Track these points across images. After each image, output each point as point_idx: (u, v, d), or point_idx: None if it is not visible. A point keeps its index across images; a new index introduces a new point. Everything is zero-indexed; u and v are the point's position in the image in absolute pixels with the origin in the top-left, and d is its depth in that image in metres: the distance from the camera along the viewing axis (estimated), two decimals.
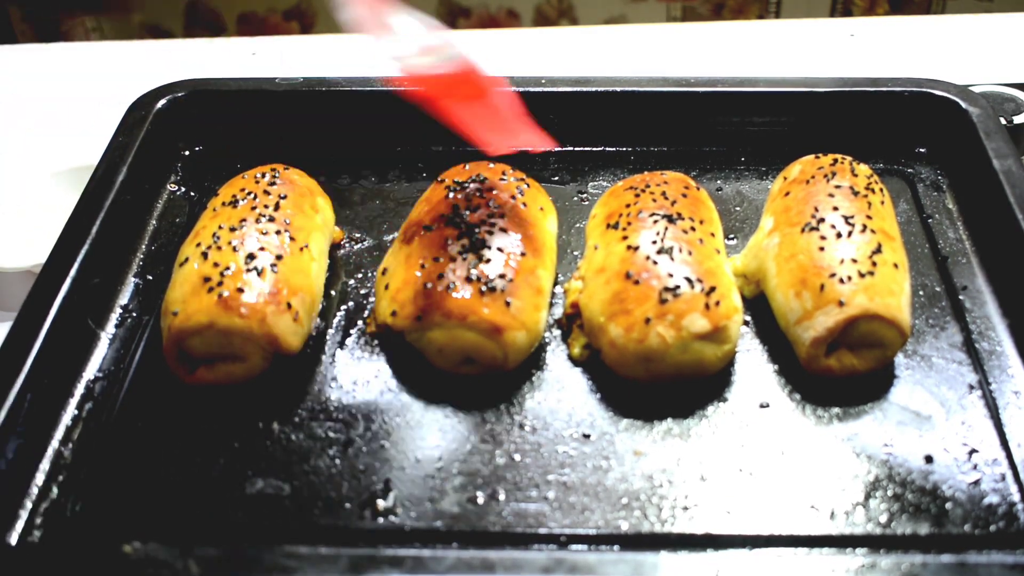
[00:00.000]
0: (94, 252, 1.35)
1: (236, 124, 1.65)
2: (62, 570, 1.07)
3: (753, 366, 1.27)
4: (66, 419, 1.22)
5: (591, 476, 1.14)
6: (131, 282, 1.41)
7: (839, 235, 1.27)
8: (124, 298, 1.38)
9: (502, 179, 1.39)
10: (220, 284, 1.21)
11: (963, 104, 1.56)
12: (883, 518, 1.10)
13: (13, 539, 1.10)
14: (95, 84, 2.01)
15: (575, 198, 1.56)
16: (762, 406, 1.22)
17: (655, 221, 1.30)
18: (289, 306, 1.23)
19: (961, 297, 1.36)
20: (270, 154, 1.57)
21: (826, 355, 1.22)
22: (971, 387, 1.24)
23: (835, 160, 1.41)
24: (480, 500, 1.12)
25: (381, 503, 1.12)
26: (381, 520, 1.11)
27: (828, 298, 1.21)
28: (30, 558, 1.08)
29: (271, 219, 1.31)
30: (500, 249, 1.26)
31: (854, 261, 1.23)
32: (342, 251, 1.47)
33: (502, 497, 1.12)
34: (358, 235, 1.49)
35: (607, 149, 1.65)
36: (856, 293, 1.20)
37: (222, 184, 1.43)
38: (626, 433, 1.19)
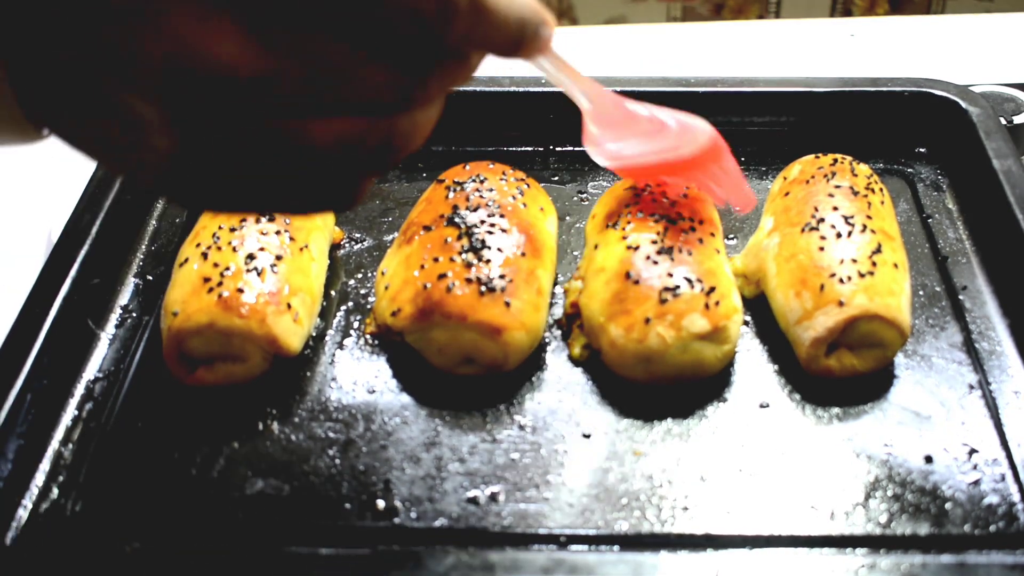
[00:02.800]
0: (94, 252, 1.35)
1: None
2: (62, 570, 1.07)
3: (753, 366, 1.27)
4: (66, 419, 1.22)
5: (591, 476, 1.15)
6: (131, 282, 1.41)
7: (839, 235, 1.27)
8: (124, 298, 1.38)
9: (502, 179, 1.39)
10: (220, 284, 1.21)
11: (963, 104, 1.56)
12: (883, 518, 1.10)
13: (13, 539, 1.10)
14: None
15: (575, 198, 1.56)
16: (762, 406, 1.22)
17: (655, 221, 1.30)
18: (289, 306, 1.23)
19: (961, 297, 1.36)
20: None
21: (826, 355, 1.22)
22: (971, 387, 1.24)
23: (835, 160, 1.41)
24: (480, 500, 1.12)
25: (381, 503, 1.12)
26: (381, 520, 1.11)
27: (828, 298, 1.21)
28: (30, 558, 1.08)
29: (271, 219, 1.31)
30: (500, 249, 1.26)
31: (854, 261, 1.24)
32: (342, 251, 1.47)
33: (502, 497, 1.12)
34: (358, 235, 1.50)
35: None
36: (856, 293, 1.20)
37: None
38: (626, 433, 1.19)
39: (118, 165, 0.79)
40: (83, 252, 1.34)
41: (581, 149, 1.64)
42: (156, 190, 0.99)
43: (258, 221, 1.30)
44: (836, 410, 1.22)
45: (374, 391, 1.25)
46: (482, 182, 1.37)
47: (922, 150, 1.62)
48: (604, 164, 1.29)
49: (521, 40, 0.82)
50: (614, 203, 1.37)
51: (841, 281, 1.21)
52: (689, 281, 1.21)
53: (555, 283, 1.37)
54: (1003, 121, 1.56)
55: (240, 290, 1.21)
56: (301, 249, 1.31)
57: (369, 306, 1.37)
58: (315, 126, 0.74)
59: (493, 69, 1.85)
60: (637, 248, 1.26)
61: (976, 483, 1.13)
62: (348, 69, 0.73)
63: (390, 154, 0.80)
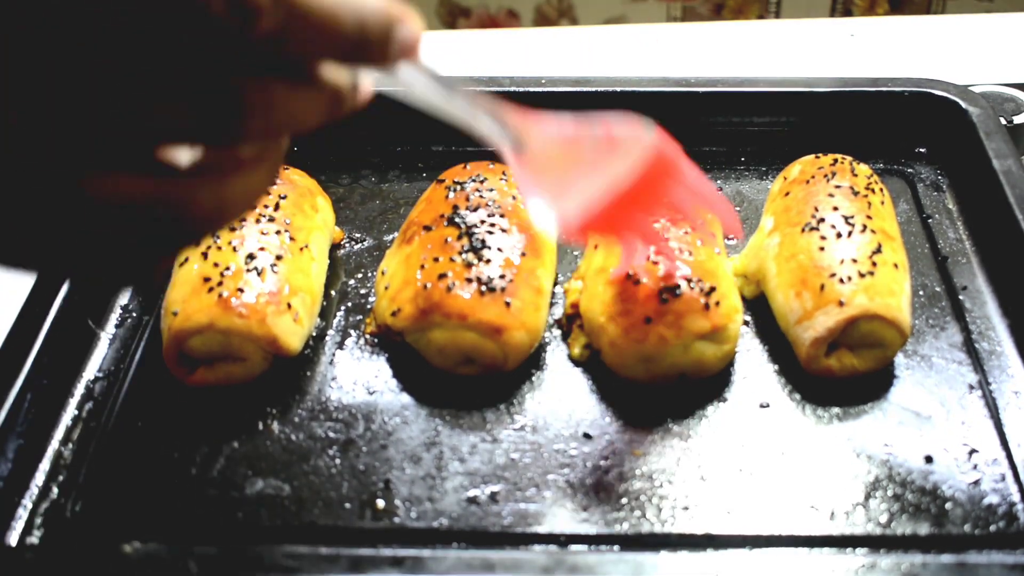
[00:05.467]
0: None
1: None
2: (62, 570, 1.07)
3: (753, 366, 1.27)
4: (66, 419, 1.22)
5: (591, 476, 1.14)
6: None
7: (839, 235, 1.27)
8: (124, 298, 1.38)
9: (502, 179, 1.39)
10: (220, 284, 1.21)
11: (963, 104, 1.56)
12: (883, 518, 1.10)
13: (13, 539, 1.10)
14: None
15: None
16: (762, 406, 1.22)
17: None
18: (289, 306, 1.23)
19: (961, 297, 1.36)
20: None
21: (826, 355, 1.22)
22: (971, 387, 1.24)
23: (835, 160, 1.41)
24: (480, 500, 1.12)
25: (381, 503, 1.12)
26: (381, 520, 1.11)
27: (828, 298, 1.21)
28: (30, 558, 1.08)
29: (271, 219, 1.31)
30: (500, 249, 1.26)
31: (854, 261, 1.24)
32: (342, 251, 1.47)
33: (502, 497, 1.12)
34: (358, 235, 1.50)
35: None
36: (856, 293, 1.20)
37: None
38: (626, 433, 1.19)
39: None
40: None
41: None
42: None
43: (258, 221, 1.30)
44: (836, 410, 1.22)
45: (374, 391, 1.25)
46: (482, 182, 1.37)
47: (922, 150, 1.62)
48: (564, 234, 0.96)
49: (363, 43, 0.64)
50: None
51: (841, 281, 1.21)
52: (689, 281, 1.21)
53: (555, 283, 1.37)
54: (1003, 121, 1.56)
55: (240, 290, 1.21)
56: (301, 249, 1.30)
57: (369, 306, 1.37)
58: (95, 182, 0.59)
59: (493, 69, 1.85)
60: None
61: (976, 483, 1.13)
62: (132, 100, 0.58)
63: (185, 229, 0.64)
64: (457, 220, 1.30)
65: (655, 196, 1.01)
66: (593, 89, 1.62)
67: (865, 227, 1.28)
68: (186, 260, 1.27)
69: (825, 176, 1.37)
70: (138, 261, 0.66)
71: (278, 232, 1.30)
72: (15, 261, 0.66)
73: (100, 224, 0.61)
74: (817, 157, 1.44)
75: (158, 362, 1.25)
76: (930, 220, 1.50)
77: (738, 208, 1.53)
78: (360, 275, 1.42)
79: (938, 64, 1.96)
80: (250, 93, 0.61)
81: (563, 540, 1.09)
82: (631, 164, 0.95)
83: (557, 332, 1.32)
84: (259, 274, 1.23)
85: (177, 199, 0.62)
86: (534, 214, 0.93)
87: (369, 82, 0.73)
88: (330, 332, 1.33)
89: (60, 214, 0.61)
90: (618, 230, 1.05)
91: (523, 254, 1.27)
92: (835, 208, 1.31)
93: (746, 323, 1.32)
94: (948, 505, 1.11)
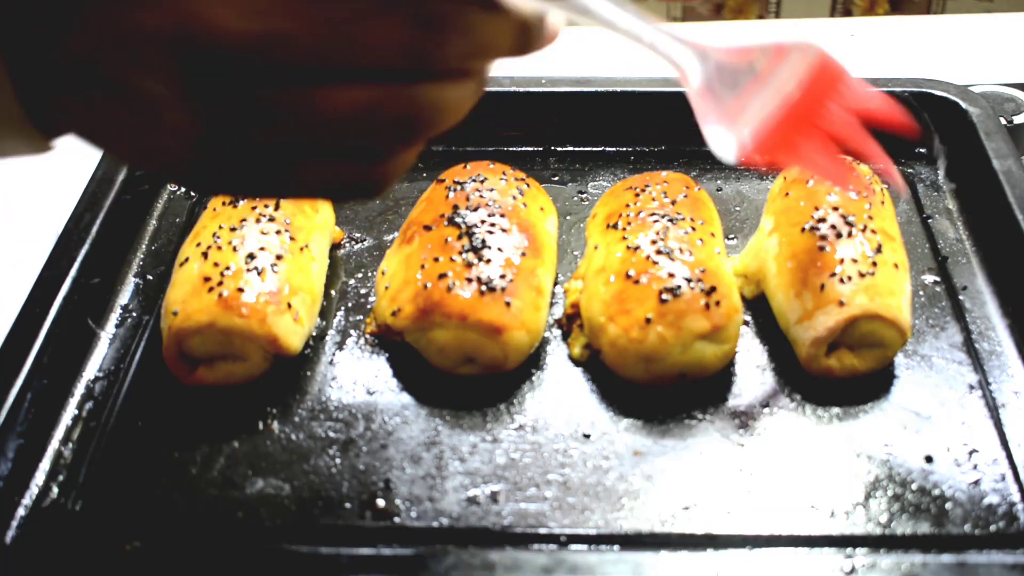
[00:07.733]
0: (94, 252, 1.35)
1: None
2: (62, 570, 1.07)
3: (753, 366, 1.27)
4: (66, 419, 1.22)
5: (591, 476, 1.14)
6: (131, 282, 1.41)
7: (839, 235, 1.27)
8: (124, 298, 1.38)
9: (502, 179, 1.39)
10: (220, 284, 1.21)
11: (963, 104, 1.56)
12: (883, 518, 1.10)
13: (13, 538, 1.10)
14: None
15: (575, 198, 1.56)
16: (762, 406, 1.22)
17: (655, 221, 1.30)
18: (289, 306, 1.23)
19: (961, 297, 1.36)
20: None
21: (826, 355, 1.22)
22: (971, 387, 1.24)
23: None
24: (480, 500, 1.12)
25: (381, 503, 1.12)
26: (381, 520, 1.11)
27: (828, 298, 1.21)
28: (30, 558, 1.08)
29: (271, 219, 1.31)
30: (500, 249, 1.27)
31: (854, 261, 1.24)
32: (342, 251, 1.47)
33: (502, 497, 1.12)
34: (358, 235, 1.50)
35: (607, 149, 1.65)
36: (856, 293, 1.20)
37: None
38: (626, 433, 1.19)
39: (140, 155, 0.76)
40: (83, 252, 1.34)
41: (581, 149, 1.66)
42: (183, 179, 0.99)
43: (258, 221, 1.30)
44: (836, 410, 1.22)
45: (374, 391, 1.25)
46: (482, 182, 1.37)
47: (922, 150, 1.62)
48: (742, 159, 0.98)
49: None
50: (614, 203, 1.37)
51: (841, 281, 1.21)
52: (689, 281, 1.21)
53: (555, 283, 1.37)
54: (1003, 121, 1.56)
55: (240, 290, 1.21)
56: (301, 249, 1.31)
57: (369, 306, 1.37)
58: (327, 94, 0.69)
59: (493, 69, 1.85)
60: (637, 248, 1.26)
61: (976, 483, 1.13)
62: (353, 24, 0.67)
63: (413, 129, 0.73)
64: (457, 220, 1.30)
65: (825, 106, 0.97)
66: (593, 89, 1.62)
67: (865, 227, 1.28)
68: (186, 260, 1.27)
69: None
70: (370, 166, 0.75)
71: (278, 232, 1.30)
72: (252, 187, 0.77)
73: (332, 134, 0.71)
74: None
75: (158, 362, 1.25)
76: (930, 220, 1.50)
77: (738, 208, 1.53)
78: (360, 275, 1.42)
79: (938, 64, 1.96)
80: (451, 15, 0.69)
81: (563, 540, 1.09)
82: (800, 73, 0.94)
83: (557, 332, 1.32)
84: (259, 274, 1.23)
85: (401, 101, 0.71)
86: (713, 141, 0.97)
87: (558, 21, 0.80)
88: (330, 332, 1.33)
89: (298, 126, 0.70)
90: (794, 146, 0.97)
91: (523, 254, 1.27)
92: (835, 208, 1.31)
93: (746, 323, 1.32)
94: (948, 505, 1.11)
